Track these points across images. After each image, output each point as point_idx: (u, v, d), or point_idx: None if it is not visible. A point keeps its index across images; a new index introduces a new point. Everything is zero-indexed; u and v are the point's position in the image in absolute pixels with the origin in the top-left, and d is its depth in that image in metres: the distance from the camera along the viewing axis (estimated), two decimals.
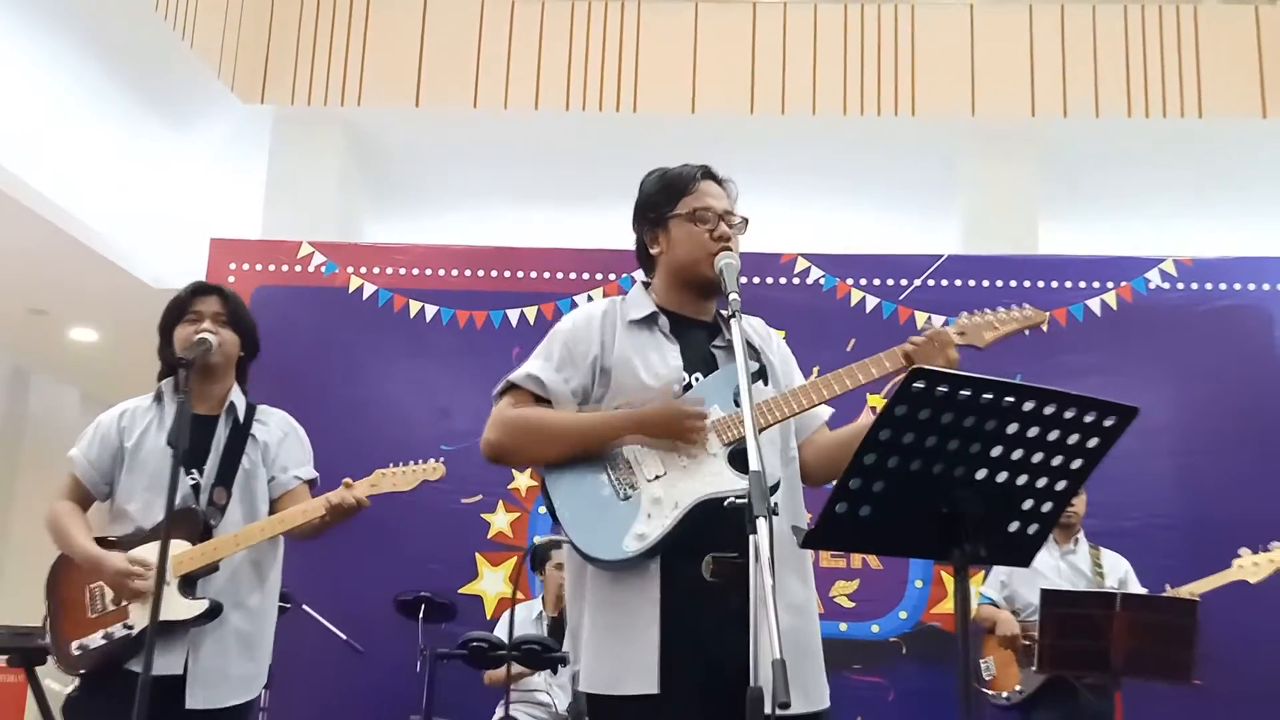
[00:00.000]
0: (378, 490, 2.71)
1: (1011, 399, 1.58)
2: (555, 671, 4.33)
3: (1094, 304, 4.87)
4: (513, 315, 5.05)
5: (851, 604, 4.62)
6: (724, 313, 2.08)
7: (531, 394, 2.09)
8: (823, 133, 6.21)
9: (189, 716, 2.51)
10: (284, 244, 5.25)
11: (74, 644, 2.59)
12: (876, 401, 4.42)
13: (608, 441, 2.02)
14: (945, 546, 1.67)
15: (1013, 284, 4.86)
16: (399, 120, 6.39)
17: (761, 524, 1.56)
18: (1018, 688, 3.93)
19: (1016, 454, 1.63)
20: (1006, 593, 4.13)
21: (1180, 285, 4.87)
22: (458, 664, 4.09)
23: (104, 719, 2.48)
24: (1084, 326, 4.84)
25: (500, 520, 4.84)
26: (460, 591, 4.69)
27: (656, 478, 1.97)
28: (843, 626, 4.49)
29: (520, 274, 5.13)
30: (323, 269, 5.16)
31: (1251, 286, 4.85)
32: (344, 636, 4.36)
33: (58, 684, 2.85)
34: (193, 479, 2.63)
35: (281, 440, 2.77)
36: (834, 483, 1.64)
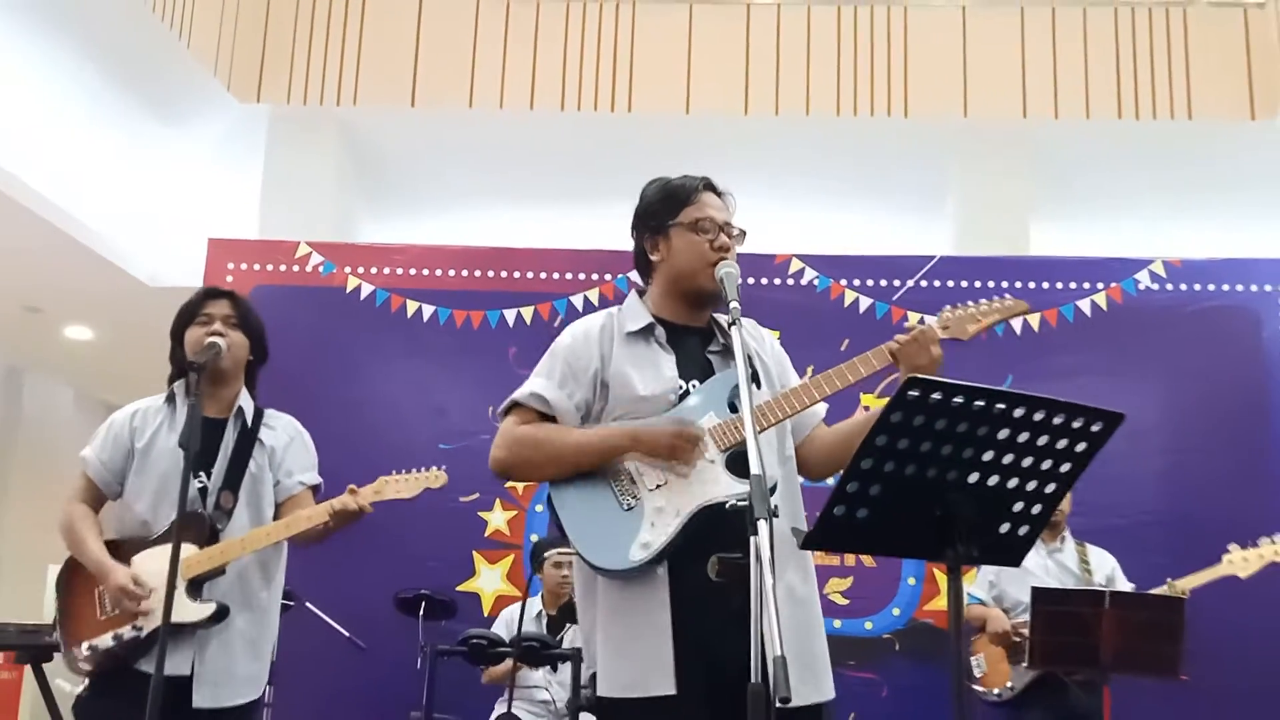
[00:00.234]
0: (381, 497, 2.76)
1: (1002, 406, 1.64)
2: (555, 668, 4.38)
3: (1084, 305, 4.92)
4: (509, 315, 5.09)
5: (845, 601, 4.67)
6: (723, 320, 2.14)
7: (536, 411, 2.16)
8: (816, 134, 6.26)
9: (196, 716, 2.56)
10: (282, 244, 5.28)
11: (84, 645, 2.64)
12: (869, 400, 4.48)
13: (609, 459, 2.08)
14: (939, 547, 1.73)
15: (1004, 285, 4.90)
16: (394, 120, 6.42)
17: (762, 525, 1.62)
18: (1009, 684, 3.98)
19: (1007, 458, 1.69)
20: (995, 592, 4.18)
21: (1169, 286, 4.93)
22: (458, 661, 4.14)
23: (113, 717, 2.53)
24: (1074, 327, 4.90)
25: (497, 518, 4.88)
26: (458, 589, 4.73)
27: (658, 487, 2.04)
28: (837, 623, 4.54)
29: (516, 274, 5.16)
30: (320, 269, 5.19)
31: (1239, 288, 4.91)
32: (346, 634, 4.41)
33: (68, 684, 2.89)
34: (200, 482, 2.67)
35: (288, 445, 2.82)
36: (834, 479, 1.69)
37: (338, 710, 4.58)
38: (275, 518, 2.75)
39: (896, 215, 6.71)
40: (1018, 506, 1.75)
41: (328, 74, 6.40)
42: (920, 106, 6.16)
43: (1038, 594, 3.60)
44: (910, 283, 4.99)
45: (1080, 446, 1.72)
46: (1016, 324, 4.70)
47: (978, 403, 1.62)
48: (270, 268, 5.19)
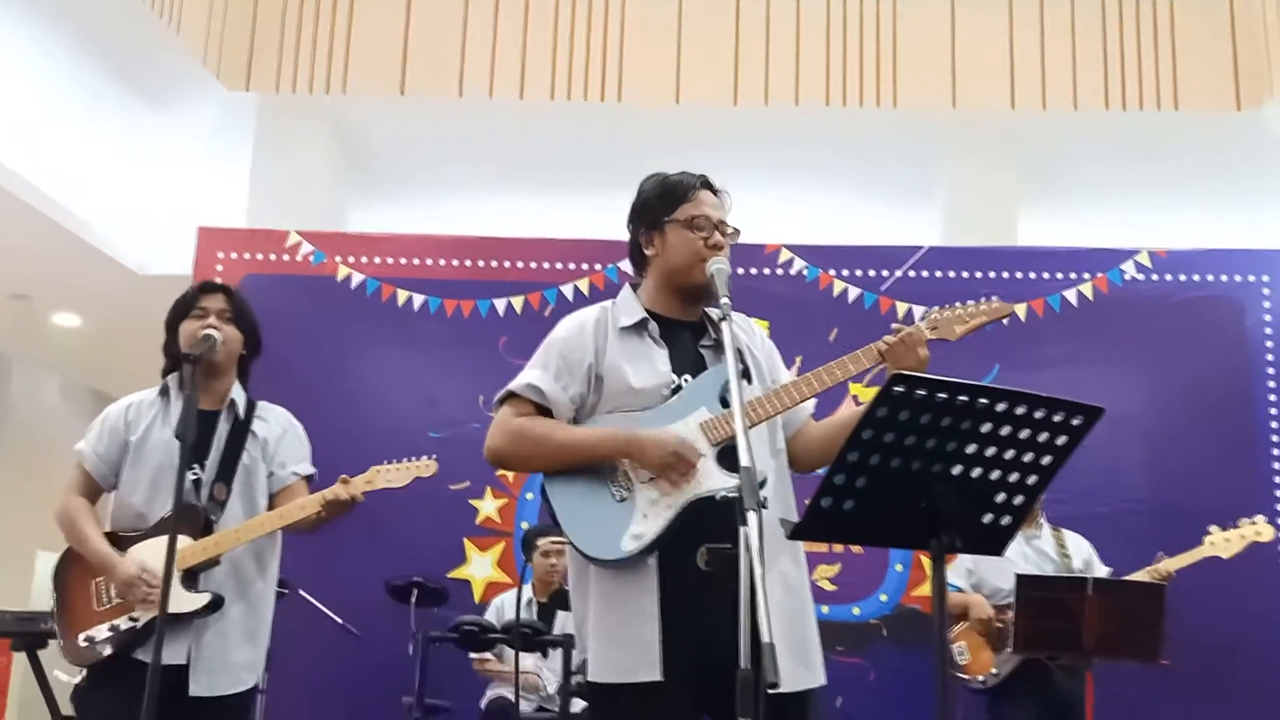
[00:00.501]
0: (373, 487, 2.80)
1: (985, 400, 1.68)
2: (545, 655, 4.43)
3: (1070, 295, 4.97)
4: (500, 305, 5.10)
5: (833, 587, 4.72)
6: (714, 314, 2.18)
7: (531, 402, 2.19)
8: (806, 124, 6.28)
9: (192, 704, 2.59)
10: (272, 233, 5.28)
11: (81, 636, 2.67)
12: (858, 390, 4.53)
13: (601, 458, 2.13)
14: (923, 537, 1.77)
15: (991, 275, 4.95)
16: (384, 109, 6.41)
17: (751, 516, 1.66)
18: (993, 671, 4.03)
19: (990, 451, 1.73)
20: (974, 580, 4.22)
21: (1154, 277, 4.98)
22: (449, 647, 4.18)
23: (111, 707, 2.57)
24: (1060, 317, 4.94)
25: (488, 506, 4.91)
26: (449, 576, 4.76)
27: (651, 480, 2.08)
28: (825, 609, 4.58)
29: (507, 264, 5.18)
30: (311, 258, 5.20)
31: (1224, 278, 4.96)
32: (340, 620, 4.44)
33: (65, 675, 2.92)
34: (194, 474, 2.69)
35: (281, 437, 2.85)
36: (823, 471, 1.74)
37: (331, 696, 4.62)
38: (270, 508, 2.78)
39: (885, 205, 6.75)
40: (1000, 498, 1.79)
41: (317, 62, 6.38)
42: (909, 97, 6.19)
43: (1022, 580, 3.66)
44: (899, 273, 5.03)
45: (1061, 440, 1.76)
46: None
47: (961, 398, 1.66)
48: (260, 257, 5.19)
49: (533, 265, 5.16)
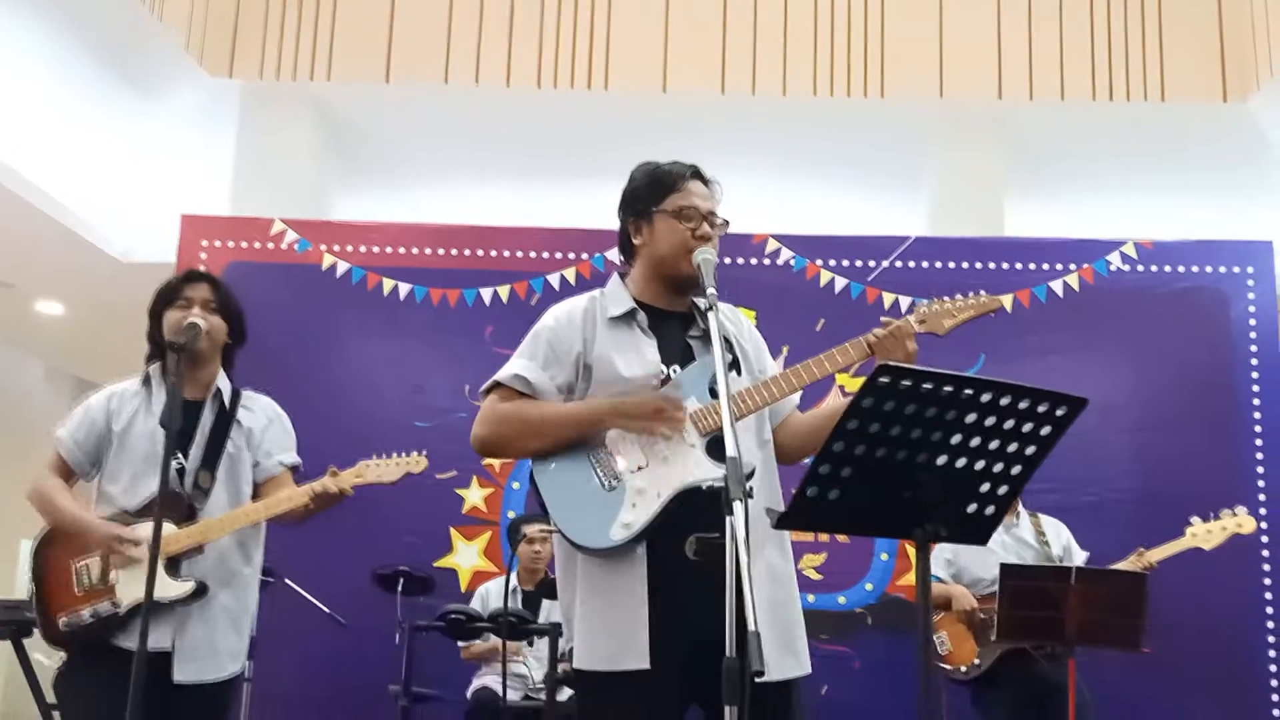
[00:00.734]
0: (362, 481, 2.79)
1: (970, 391, 1.69)
2: (531, 643, 4.44)
3: (1056, 286, 4.98)
4: (485, 294, 5.09)
5: (819, 576, 4.74)
6: (701, 304, 2.17)
7: (518, 392, 2.19)
8: (793, 114, 6.27)
9: (176, 691, 2.58)
10: (256, 221, 5.25)
11: (61, 620, 2.65)
12: (845, 380, 4.54)
13: (591, 430, 2.12)
14: (908, 527, 1.78)
15: (978, 266, 4.96)
16: (369, 96, 6.38)
17: (738, 506, 1.67)
18: (975, 661, 4.05)
19: (975, 441, 1.74)
20: (954, 570, 4.23)
21: (1140, 268, 4.99)
22: (436, 636, 4.18)
23: (93, 692, 2.56)
24: (1047, 307, 4.95)
25: (474, 495, 4.91)
26: (435, 565, 4.76)
27: (639, 468, 2.08)
28: (810, 598, 4.61)
29: (493, 253, 5.16)
30: (295, 246, 5.17)
31: (1209, 269, 4.98)
32: (326, 609, 4.43)
33: (45, 658, 2.90)
34: (178, 462, 2.68)
35: (266, 426, 2.84)
36: (809, 460, 1.74)
37: (317, 684, 4.61)
38: (254, 498, 2.78)
39: (871, 195, 6.75)
40: (984, 487, 1.80)
41: (301, 48, 6.34)
42: (896, 87, 6.18)
43: (1006, 570, 3.68)
44: (886, 263, 5.03)
45: (1045, 430, 1.77)
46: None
47: (946, 388, 1.67)
48: (245, 244, 5.16)
49: (519, 254, 5.15)
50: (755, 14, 6.26)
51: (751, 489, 1.72)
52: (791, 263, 5.08)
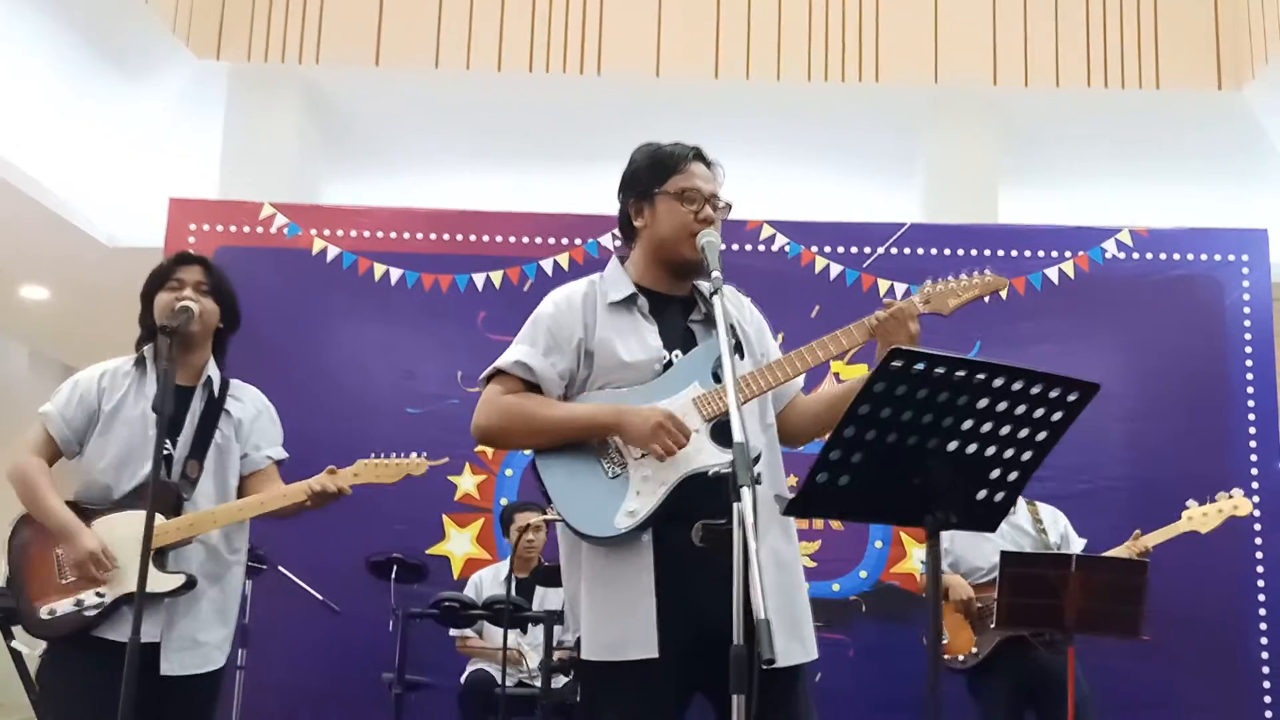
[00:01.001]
0: (361, 480, 2.75)
1: (982, 376, 1.66)
2: (525, 631, 4.41)
3: (1052, 273, 4.97)
4: (478, 279, 5.05)
5: (813, 563, 4.72)
6: (705, 287, 2.14)
7: (519, 379, 2.15)
8: (787, 98, 6.23)
9: (162, 683, 2.53)
10: (245, 204, 5.18)
11: (42, 608, 2.59)
12: (839, 367, 4.52)
13: (593, 435, 2.10)
14: (918, 514, 1.75)
15: (974, 253, 4.94)
16: (358, 80, 6.30)
17: (746, 492, 1.64)
18: (973, 650, 4.04)
19: (985, 427, 1.72)
20: (951, 559, 4.22)
21: (1135, 255, 4.99)
22: (429, 623, 4.16)
23: (76, 684, 2.51)
24: (1042, 295, 4.95)
25: (467, 482, 4.87)
26: (428, 553, 4.73)
27: (643, 456, 2.05)
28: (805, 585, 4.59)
29: (486, 238, 5.12)
30: (285, 230, 5.11)
31: (1204, 257, 4.98)
32: (320, 597, 4.39)
33: (24, 646, 2.85)
34: (166, 450, 2.63)
35: (255, 418, 2.80)
36: (819, 442, 1.71)
37: (311, 672, 4.58)
38: (240, 490, 2.74)
39: (866, 181, 6.72)
40: (994, 474, 1.78)
41: (290, 31, 6.26)
42: (891, 73, 6.15)
43: (1005, 557, 3.66)
44: (881, 250, 5.01)
45: (1056, 416, 1.75)
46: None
47: (959, 372, 1.65)
48: (234, 229, 5.10)
49: (512, 239, 5.10)
50: None
51: (759, 475, 1.69)
52: (786, 249, 5.05)
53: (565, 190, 6.34)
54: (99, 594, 2.57)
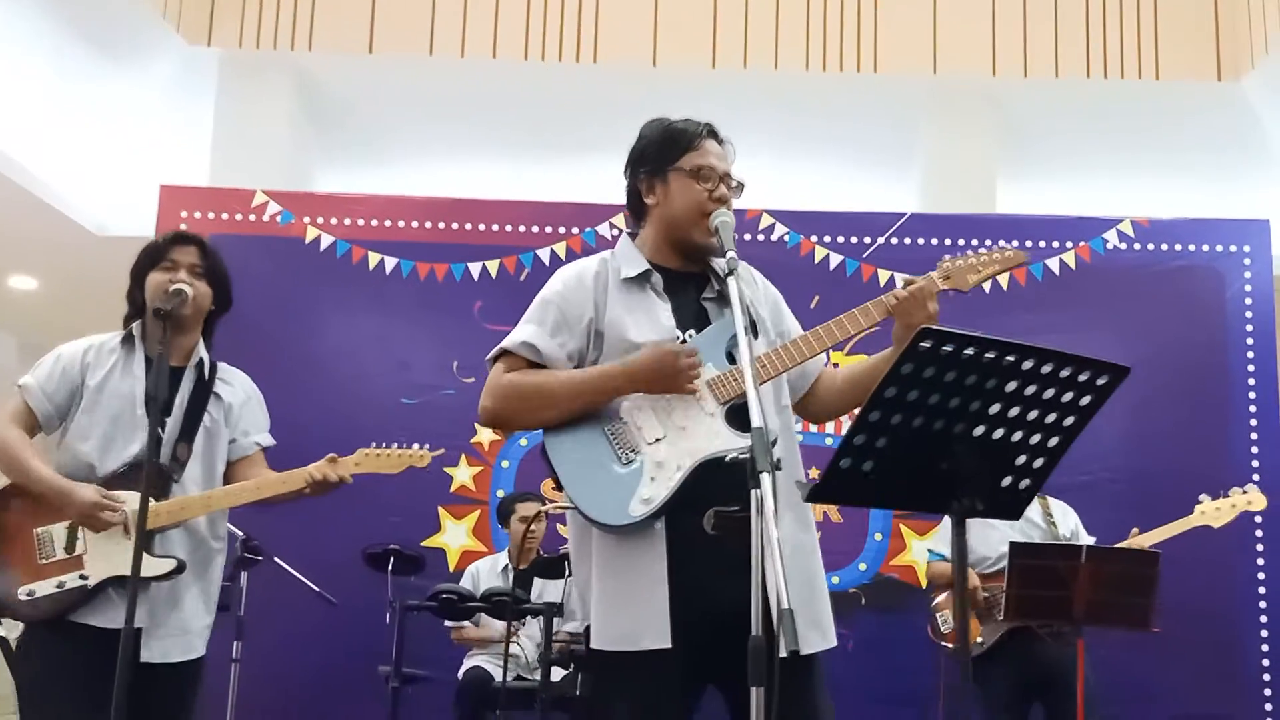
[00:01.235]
0: (361, 470, 2.70)
1: (1012, 358, 1.62)
2: (524, 623, 4.36)
3: (1053, 263, 4.95)
4: (474, 268, 4.99)
5: None
6: (720, 265, 2.08)
7: (526, 360, 2.09)
8: (785, 88, 6.19)
9: (144, 670, 2.44)
10: (238, 192, 5.11)
11: (21, 590, 2.50)
12: (839, 358, 4.47)
13: (603, 397, 2.02)
14: (943, 500, 1.71)
15: (974, 243, 4.91)
16: (351, 67, 6.22)
17: (765, 478, 1.59)
18: (979, 639, 4.01)
19: (1014, 411, 1.68)
20: None
21: (1137, 246, 4.96)
22: (426, 615, 4.11)
23: (55, 666, 2.44)
24: (1043, 285, 4.92)
25: (463, 474, 4.82)
26: (423, 544, 4.68)
27: (657, 440, 1.99)
28: None
29: (481, 226, 5.06)
30: (278, 218, 5.05)
31: (1205, 248, 4.95)
32: (316, 589, 4.34)
33: (6, 631, 2.78)
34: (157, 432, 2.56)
35: (245, 403, 2.75)
36: (837, 437, 1.67)
37: (307, 665, 4.53)
38: (227, 476, 2.68)
39: (864, 172, 6.69)
40: (1020, 460, 1.74)
41: (282, 17, 6.18)
42: (890, 63, 6.11)
43: (1015, 548, 3.62)
44: (880, 240, 4.98)
45: (1085, 400, 1.72)
46: (985, 282, 4.71)
47: (988, 354, 1.60)
48: (225, 216, 5.03)
49: (508, 228, 5.05)
50: None
51: (779, 460, 1.64)
52: (786, 239, 5.01)
53: (562, 179, 6.28)
54: (82, 576, 2.49)
